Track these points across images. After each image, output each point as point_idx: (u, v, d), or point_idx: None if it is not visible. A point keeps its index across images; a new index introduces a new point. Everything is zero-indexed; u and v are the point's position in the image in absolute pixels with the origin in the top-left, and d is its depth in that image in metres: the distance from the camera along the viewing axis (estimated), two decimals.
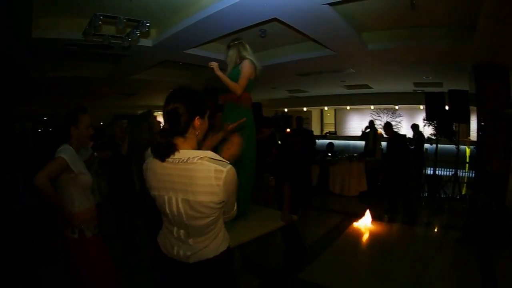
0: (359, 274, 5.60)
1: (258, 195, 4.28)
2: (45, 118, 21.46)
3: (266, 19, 6.19)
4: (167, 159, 2.18)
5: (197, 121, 2.24)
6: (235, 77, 4.33)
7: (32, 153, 4.75)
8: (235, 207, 2.53)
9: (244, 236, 4.10)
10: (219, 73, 4.25)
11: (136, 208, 6.39)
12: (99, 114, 22.45)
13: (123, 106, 22.83)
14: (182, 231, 2.30)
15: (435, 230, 8.10)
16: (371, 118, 17.99)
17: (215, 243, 2.34)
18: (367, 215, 8.38)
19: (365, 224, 8.06)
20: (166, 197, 2.25)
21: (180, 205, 2.20)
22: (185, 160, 2.14)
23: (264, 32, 7.62)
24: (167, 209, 2.26)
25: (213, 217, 2.26)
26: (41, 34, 6.61)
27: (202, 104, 2.32)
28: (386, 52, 8.29)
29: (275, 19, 6.22)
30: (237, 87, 4.25)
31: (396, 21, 7.16)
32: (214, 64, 4.26)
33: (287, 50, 9.49)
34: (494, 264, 6.01)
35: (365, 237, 7.41)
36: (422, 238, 7.54)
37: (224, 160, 2.22)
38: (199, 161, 2.14)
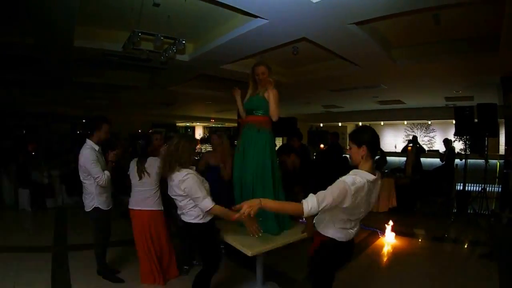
0: None
1: None
2: (83, 121, 21.86)
3: (295, 39, 6.44)
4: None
5: None
6: (264, 103, 4.66)
7: (68, 153, 5.06)
8: None
9: (266, 245, 4.33)
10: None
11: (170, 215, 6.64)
12: (138, 122, 22.78)
13: (161, 115, 22.96)
14: (355, 222, 3.28)
15: (461, 246, 7.95)
16: (405, 133, 18.03)
17: None
18: (394, 231, 8.29)
19: (391, 239, 7.99)
20: (367, 203, 3.17)
21: (369, 205, 3.22)
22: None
23: (296, 49, 7.78)
24: (359, 210, 3.14)
25: None
26: (82, 43, 6.97)
27: None
28: (414, 67, 8.41)
29: (304, 39, 6.44)
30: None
31: (422, 37, 7.29)
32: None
33: (319, 67, 9.63)
34: None
35: (390, 252, 7.35)
36: (447, 254, 7.41)
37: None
38: None
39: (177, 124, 28.77)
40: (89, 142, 5.05)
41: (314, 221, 3.48)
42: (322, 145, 14.44)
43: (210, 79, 11.06)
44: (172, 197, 4.07)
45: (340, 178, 3.05)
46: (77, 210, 5.20)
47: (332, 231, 3.22)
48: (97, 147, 5.11)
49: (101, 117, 5.19)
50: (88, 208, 5.11)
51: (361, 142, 3.11)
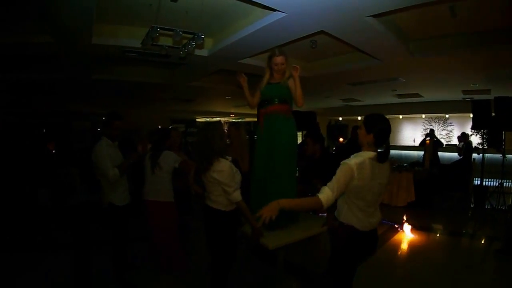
0: (398, 284, 5.60)
1: None
2: (103, 118, 21.94)
3: (314, 32, 6.45)
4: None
5: None
6: (287, 90, 4.69)
7: (89, 150, 5.09)
8: None
9: (286, 239, 4.38)
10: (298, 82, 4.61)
11: (191, 213, 6.70)
12: (158, 118, 22.85)
13: (180, 111, 23.10)
14: (372, 209, 3.37)
15: (478, 241, 7.93)
16: (423, 127, 17.94)
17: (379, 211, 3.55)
18: (412, 225, 8.41)
19: (409, 234, 8.04)
20: (375, 184, 3.26)
21: (379, 187, 3.31)
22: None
23: (314, 43, 7.86)
24: (370, 192, 3.25)
25: None
26: (100, 40, 7.07)
27: None
28: (431, 60, 8.44)
29: (322, 32, 6.47)
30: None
31: (439, 30, 7.32)
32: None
33: (337, 60, 9.66)
34: None
35: (408, 247, 7.37)
36: (464, 249, 7.47)
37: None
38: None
39: (197, 120, 28.83)
40: (103, 139, 5.09)
41: (335, 214, 3.54)
42: (341, 139, 14.43)
43: (229, 73, 11.01)
44: (204, 180, 4.08)
45: (342, 161, 3.23)
46: (98, 207, 5.25)
47: (353, 220, 3.30)
48: (111, 143, 5.17)
49: (112, 114, 5.25)
50: (103, 205, 5.19)
51: (370, 130, 3.24)
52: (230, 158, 4.10)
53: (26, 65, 9.94)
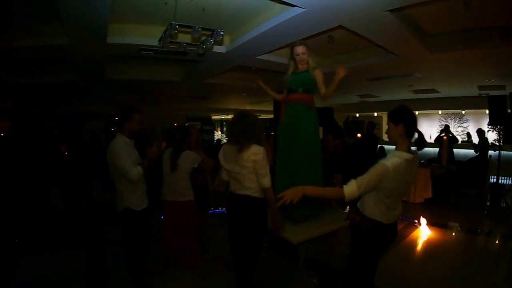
0: (414, 281, 5.62)
1: None
2: (116, 118, 21.95)
3: (332, 27, 6.49)
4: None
5: None
6: (309, 79, 4.82)
7: (103, 150, 4.98)
8: None
9: (308, 233, 4.44)
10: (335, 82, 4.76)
11: (208, 209, 6.73)
12: (172, 117, 22.86)
13: (195, 108, 23.10)
14: (396, 204, 3.40)
15: (494, 239, 7.90)
16: (440, 123, 17.90)
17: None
18: (429, 222, 8.35)
19: (426, 231, 8.02)
20: (404, 183, 3.32)
21: (406, 186, 3.41)
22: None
23: (331, 38, 7.87)
24: (398, 191, 3.33)
25: None
26: (115, 39, 7.10)
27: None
28: (447, 55, 8.40)
29: (340, 27, 6.50)
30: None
31: (455, 25, 7.33)
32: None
33: (354, 56, 9.67)
34: None
35: (424, 244, 7.38)
36: (479, 248, 7.43)
37: None
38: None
39: (212, 117, 28.87)
40: (119, 136, 4.74)
41: (358, 206, 3.58)
42: (359, 134, 14.46)
43: (245, 70, 11.20)
44: (233, 173, 4.09)
45: (379, 161, 3.19)
46: (112, 206, 5.18)
47: (378, 214, 3.35)
48: (128, 141, 4.81)
49: (129, 107, 4.90)
50: (119, 209, 4.83)
51: (398, 121, 3.25)
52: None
53: (39, 67, 10.05)
